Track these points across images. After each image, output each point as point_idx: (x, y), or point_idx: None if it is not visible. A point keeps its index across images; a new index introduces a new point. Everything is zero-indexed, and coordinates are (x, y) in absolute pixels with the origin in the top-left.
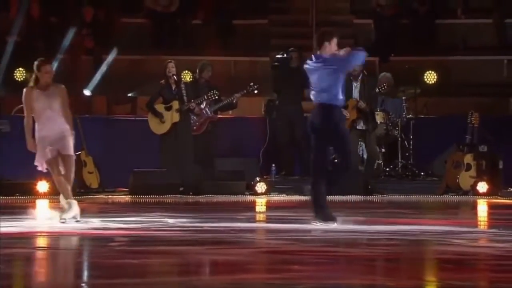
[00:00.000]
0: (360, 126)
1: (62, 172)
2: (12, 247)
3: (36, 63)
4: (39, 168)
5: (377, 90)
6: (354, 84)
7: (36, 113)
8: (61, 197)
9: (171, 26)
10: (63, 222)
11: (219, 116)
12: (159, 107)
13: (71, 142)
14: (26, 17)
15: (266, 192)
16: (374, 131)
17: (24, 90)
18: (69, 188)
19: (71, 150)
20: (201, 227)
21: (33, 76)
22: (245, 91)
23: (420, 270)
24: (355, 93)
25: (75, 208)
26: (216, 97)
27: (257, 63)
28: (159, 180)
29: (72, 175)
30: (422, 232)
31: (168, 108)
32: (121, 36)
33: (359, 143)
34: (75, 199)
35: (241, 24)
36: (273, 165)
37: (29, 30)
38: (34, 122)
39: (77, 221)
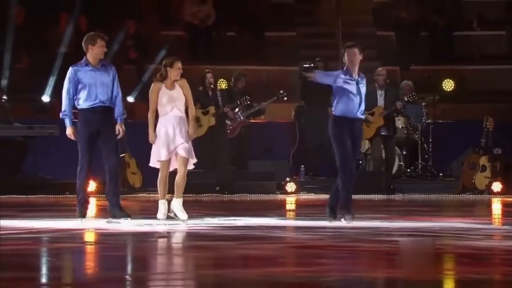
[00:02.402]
0: (384, 132)
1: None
2: (62, 242)
3: (168, 60)
4: (151, 165)
5: (406, 99)
6: (379, 92)
7: (160, 110)
8: (174, 202)
9: (207, 38)
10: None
11: (252, 121)
12: (197, 112)
13: (190, 142)
14: (74, 29)
15: (296, 192)
16: (394, 136)
17: (152, 84)
18: (180, 189)
19: (187, 153)
20: (235, 224)
21: (161, 72)
22: (275, 98)
23: (439, 264)
24: (380, 101)
25: (162, 208)
26: (248, 102)
27: (287, 72)
28: (196, 180)
29: (184, 178)
30: (441, 228)
31: (205, 113)
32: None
33: (381, 147)
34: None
35: (272, 36)
36: (302, 166)
37: (78, 41)
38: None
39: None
